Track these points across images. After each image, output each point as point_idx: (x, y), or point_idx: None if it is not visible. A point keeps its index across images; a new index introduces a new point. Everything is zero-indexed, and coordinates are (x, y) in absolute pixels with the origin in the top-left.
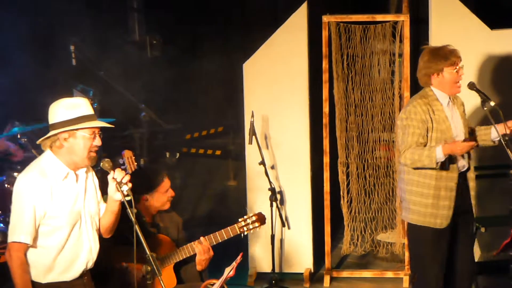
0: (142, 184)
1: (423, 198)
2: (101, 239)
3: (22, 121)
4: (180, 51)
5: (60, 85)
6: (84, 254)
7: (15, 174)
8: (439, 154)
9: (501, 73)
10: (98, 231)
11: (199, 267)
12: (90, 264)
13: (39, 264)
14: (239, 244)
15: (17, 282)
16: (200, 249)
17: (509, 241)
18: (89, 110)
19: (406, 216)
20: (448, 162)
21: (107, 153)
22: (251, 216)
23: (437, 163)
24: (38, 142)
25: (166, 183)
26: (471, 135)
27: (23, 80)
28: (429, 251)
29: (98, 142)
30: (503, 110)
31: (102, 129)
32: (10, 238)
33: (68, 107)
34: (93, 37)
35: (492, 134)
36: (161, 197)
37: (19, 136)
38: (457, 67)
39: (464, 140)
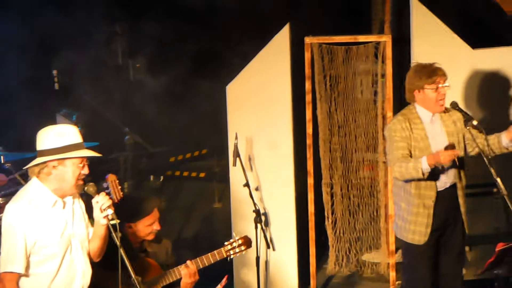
0: (127, 212)
1: (406, 214)
2: (91, 262)
3: (5, 147)
4: (162, 74)
5: (43, 110)
6: (78, 279)
7: (0, 201)
8: (425, 165)
9: (484, 92)
10: (89, 254)
11: None
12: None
13: None
14: (224, 266)
15: None
16: (186, 273)
17: (493, 259)
18: (78, 139)
19: (395, 230)
20: (429, 178)
21: (91, 177)
22: (237, 240)
23: (423, 173)
24: (26, 167)
25: (153, 215)
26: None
27: (6, 105)
28: (412, 265)
29: (86, 171)
30: (487, 127)
31: (88, 157)
32: (2, 269)
33: (58, 135)
34: (76, 61)
35: (503, 141)
36: (145, 229)
37: (2, 161)
38: (438, 86)
39: (446, 148)
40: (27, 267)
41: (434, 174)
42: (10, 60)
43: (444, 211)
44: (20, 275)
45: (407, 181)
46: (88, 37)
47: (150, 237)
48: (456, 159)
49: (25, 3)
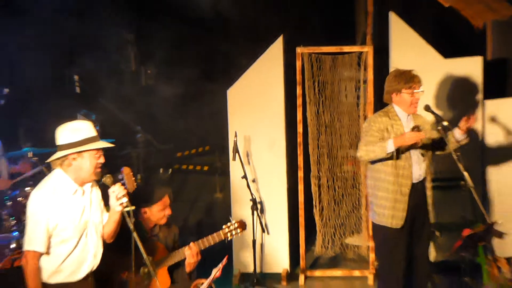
0: (142, 198)
1: (384, 201)
2: (104, 244)
3: (33, 143)
4: (170, 79)
5: (65, 110)
6: (89, 258)
7: (27, 189)
8: (390, 145)
9: (454, 95)
10: (102, 237)
11: (187, 269)
12: (94, 267)
13: (49, 268)
14: (225, 248)
15: (30, 285)
16: (190, 253)
17: (460, 243)
18: (93, 132)
19: (371, 216)
20: (399, 153)
21: (108, 169)
22: (234, 223)
23: (388, 153)
24: (48, 160)
25: (165, 201)
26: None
27: (34, 107)
28: (389, 248)
29: (102, 160)
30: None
31: (104, 148)
32: (26, 247)
33: (74, 130)
34: (95, 68)
35: (456, 135)
36: (158, 213)
37: (30, 155)
38: (414, 91)
39: (412, 129)
40: (48, 247)
41: (408, 164)
42: (37, 66)
43: (416, 200)
44: (41, 254)
45: (374, 162)
46: (105, 46)
47: (163, 221)
48: (423, 156)
49: (53, 20)
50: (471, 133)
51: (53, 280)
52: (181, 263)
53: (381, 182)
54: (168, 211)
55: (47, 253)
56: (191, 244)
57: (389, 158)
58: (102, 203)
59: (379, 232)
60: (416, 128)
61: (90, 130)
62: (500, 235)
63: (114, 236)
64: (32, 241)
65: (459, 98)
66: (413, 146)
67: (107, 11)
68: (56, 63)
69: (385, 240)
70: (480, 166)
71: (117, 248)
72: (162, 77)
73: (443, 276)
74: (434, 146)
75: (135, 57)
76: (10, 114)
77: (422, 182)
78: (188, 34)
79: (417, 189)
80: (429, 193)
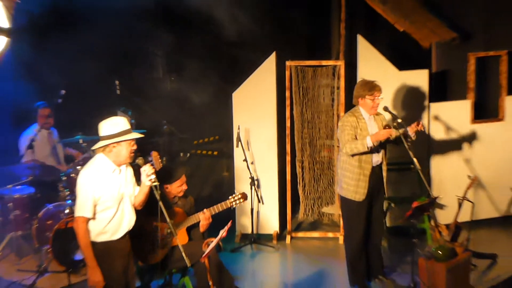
0: (165, 177)
1: (350, 180)
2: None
3: (83, 133)
4: (189, 84)
5: (109, 107)
6: (125, 222)
7: (78, 167)
8: (369, 141)
9: (407, 100)
10: (134, 205)
11: (201, 229)
12: (129, 228)
13: (95, 230)
14: (230, 215)
15: (81, 243)
16: (203, 217)
17: (410, 213)
18: (128, 125)
19: (339, 191)
20: (370, 153)
21: (140, 153)
22: (238, 195)
23: (368, 147)
24: (93, 148)
25: (182, 179)
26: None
27: (84, 104)
28: (354, 217)
29: (135, 147)
30: (407, 125)
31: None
32: (77, 213)
33: (113, 125)
34: (132, 74)
35: (408, 134)
36: (177, 188)
37: (81, 142)
38: (375, 98)
39: (384, 128)
40: (94, 214)
41: (371, 153)
42: (87, 72)
43: (375, 180)
44: (89, 219)
45: (354, 155)
46: (140, 58)
47: (180, 194)
48: (381, 144)
49: (101, 35)
50: (419, 131)
51: (99, 239)
52: (196, 225)
53: (348, 165)
54: (184, 186)
55: (93, 218)
56: (205, 210)
57: (369, 152)
58: (134, 179)
59: (345, 203)
60: (387, 127)
61: (125, 124)
62: (440, 206)
63: (142, 205)
64: (82, 209)
65: (410, 101)
66: (386, 141)
67: (142, 30)
68: (102, 70)
69: (349, 210)
70: (426, 153)
71: (146, 213)
72: (182, 83)
73: (397, 238)
74: (390, 139)
75: (162, 67)
76: (66, 109)
77: (379, 166)
78: (203, 49)
79: (375, 171)
80: (384, 174)
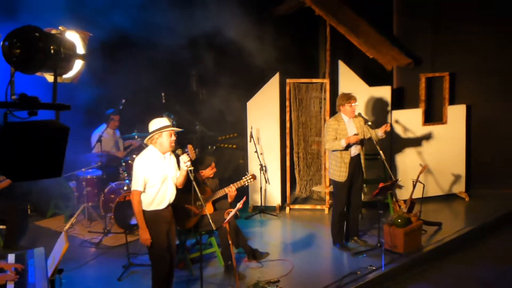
0: (200, 164)
1: (335, 166)
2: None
3: (138, 130)
4: (216, 96)
5: (156, 112)
6: (168, 196)
7: (134, 156)
8: (343, 142)
9: (375, 108)
10: (175, 184)
11: (229, 200)
12: (171, 201)
13: (146, 201)
14: (244, 192)
15: (135, 210)
16: (231, 190)
17: (377, 191)
18: (168, 123)
19: (329, 174)
20: (348, 147)
21: (179, 146)
22: (249, 175)
23: (343, 146)
24: (145, 141)
25: (212, 166)
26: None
27: (139, 108)
28: (338, 193)
29: (173, 138)
30: (375, 127)
31: (176, 133)
32: (132, 188)
33: (158, 123)
34: (173, 88)
35: (378, 133)
36: (209, 171)
37: (136, 137)
38: (352, 105)
39: (354, 135)
40: (145, 189)
41: (349, 147)
42: (140, 85)
43: (354, 166)
44: (141, 192)
45: (334, 150)
46: (179, 75)
47: (211, 176)
48: (359, 140)
49: (151, 56)
50: (386, 132)
51: (149, 208)
52: (220, 199)
53: (333, 155)
54: (214, 170)
55: (144, 191)
56: (231, 185)
57: (344, 149)
58: (176, 165)
59: (333, 183)
60: (356, 134)
61: (166, 122)
62: (400, 187)
63: (182, 185)
64: (136, 185)
65: (377, 109)
66: (355, 143)
67: (183, 54)
68: (151, 84)
69: (336, 188)
70: (390, 147)
71: (185, 190)
72: (210, 95)
73: (367, 210)
74: (364, 138)
75: (196, 82)
76: (125, 114)
77: (358, 156)
78: (225, 69)
79: (354, 160)
80: (362, 161)
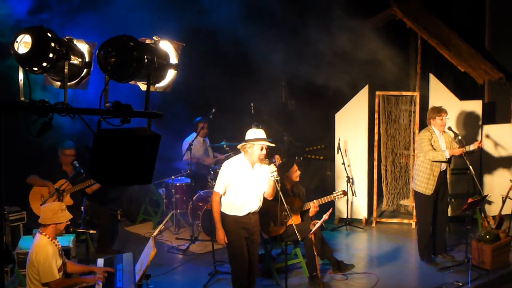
0: (284, 168)
1: (422, 178)
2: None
3: (227, 139)
4: (306, 107)
5: (246, 123)
6: (249, 204)
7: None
8: (447, 154)
9: (465, 123)
10: (263, 195)
11: (310, 214)
12: (251, 211)
13: (225, 204)
14: (331, 203)
15: (214, 210)
16: (313, 205)
17: (466, 206)
18: (263, 135)
19: (414, 187)
20: (450, 160)
21: (268, 156)
22: (340, 191)
23: (446, 158)
24: (238, 147)
25: (294, 168)
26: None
27: (228, 120)
28: (424, 206)
29: (264, 152)
30: (470, 140)
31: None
32: (214, 189)
33: (254, 133)
34: (263, 99)
35: (471, 148)
36: (294, 173)
37: (225, 146)
38: (443, 119)
39: (459, 147)
40: (225, 192)
41: (450, 161)
42: (231, 97)
43: (441, 180)
44: (221, 195)
45: (435, 161)
46: (269, 89)
47: (297, 179)
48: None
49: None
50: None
51: (228, 212)
52: (307, 210)
53: (422, 167)
54: (298, 172)
55: (224, 195)
56: (314, 201)
57: (447, 161)
58: (265, 175)
59: (418, 196)
60: (460, 148)
61: (262, 134)
62: (489, 202)
63: (272, 195)
64: (218, 187)
65: (468, 123)
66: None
67: (273, 67)
68: (241, 95)
69: (421, 201)
70: (480, 163)
71: (272, 201)
72: (299, 106)
73: (455, 225)
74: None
75: (285, 94)
76: (215, 124)
77: (445, 170)
78: (314, 82)
79: (441, 174)
80: (448, 176)
